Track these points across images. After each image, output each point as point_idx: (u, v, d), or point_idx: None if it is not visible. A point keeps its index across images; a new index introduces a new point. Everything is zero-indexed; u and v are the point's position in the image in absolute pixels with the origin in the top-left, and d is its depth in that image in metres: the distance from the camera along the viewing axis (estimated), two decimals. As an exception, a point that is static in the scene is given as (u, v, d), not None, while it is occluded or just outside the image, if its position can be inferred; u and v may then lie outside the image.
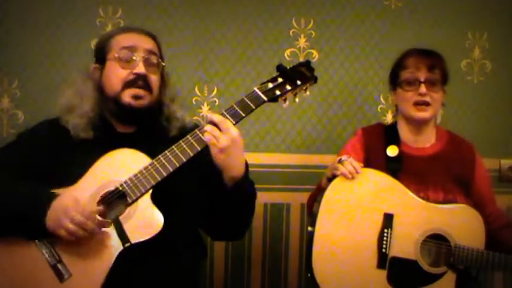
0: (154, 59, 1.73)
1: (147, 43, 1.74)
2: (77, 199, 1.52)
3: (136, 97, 1.68)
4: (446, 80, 2.01)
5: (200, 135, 1.61)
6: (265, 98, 1.65)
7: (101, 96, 1.73)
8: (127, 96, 1.68)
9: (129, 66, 1.69)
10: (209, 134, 1.58)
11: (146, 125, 1.75)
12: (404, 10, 2.59)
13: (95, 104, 1.72)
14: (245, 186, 1.68)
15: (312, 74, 1.74)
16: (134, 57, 1.70)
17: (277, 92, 1.67)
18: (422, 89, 1.93)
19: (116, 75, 1.70)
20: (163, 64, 1.77)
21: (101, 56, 1.76)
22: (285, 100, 1.70)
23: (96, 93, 1.74)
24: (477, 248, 1.84)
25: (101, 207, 1.54)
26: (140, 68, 1.68)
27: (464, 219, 1.87)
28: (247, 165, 1.69)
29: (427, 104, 1.94)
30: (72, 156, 1.67)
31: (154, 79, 1.72)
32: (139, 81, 1.68)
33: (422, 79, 1.94)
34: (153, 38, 1.79)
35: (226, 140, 1.57)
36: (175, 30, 2.43)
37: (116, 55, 1.70)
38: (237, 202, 1.68)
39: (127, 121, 1.74)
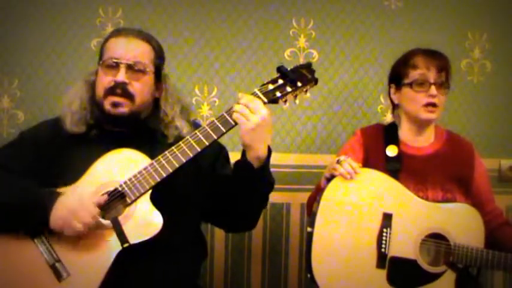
0: (140, 66, 1.71)
1: (134, 49, 1.72)
2: (81, 198, 1.54)
3: (114, 104, 1.68)
4: (450, 82, 2.01)
5: (200, 136, 1.62)
6: (265, 100, 1.65)
7: (93, 98, 1.75)
8: (107, 104, 1.69)
9: (112, 73, 1.69)
10: (238, 113, 1.59)
11: (136, 127, 1.75)
12: (404, 10, 2.58)
13: (87, 104, 1.74)
14: (269, 169, 1.70)
15: (312, 75, 1.74)
16: (118, 64, 1.69)
17: (278, 94, 1.67)
18: (433, 90, 1.92)
19: (100, 81, 1.71)
20: (148, 70, 1.73)
21: (99, 59, 1.77)
22: (285, 101, 1.70)
23: (89, 94, 1.76)
24: (476, 247, 1.84)
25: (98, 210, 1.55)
26: (120, 76, 1.67)
27: (463, 218, 1.87)
28: (269, 149, 1.68)
29: (435, 105, 1.94)
30: (70, 152, 1.70)
31: (137, 86, 1.70)
32: (117, 89, 1.68)
33: (432, 80, 1.93)
34: (146, 40, 1.76)
35: (256, 119, 1.58)
36: (175, 31, 2.43)
37: (102, 62, 1.72)
38: (262, 183, 1.69)
39: (112, 126, 1.75)
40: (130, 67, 1.69)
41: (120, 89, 1.68)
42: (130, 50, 1.71)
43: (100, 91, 1.71)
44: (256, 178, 1.66)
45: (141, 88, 1.71)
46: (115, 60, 1.69)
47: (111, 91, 1.68)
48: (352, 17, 2.55)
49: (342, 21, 2.55)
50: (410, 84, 1.96)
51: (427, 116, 1.95)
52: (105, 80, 1.69)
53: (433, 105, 1.94)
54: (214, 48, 2.47)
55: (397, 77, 2.03)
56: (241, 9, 2.48)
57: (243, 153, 1.66)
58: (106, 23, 2.39)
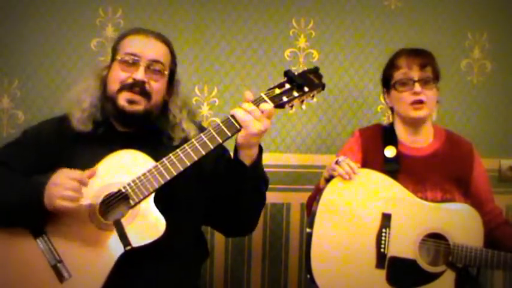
0: (158, 66, 1.72)
1: (153, 50, 1.72)
2: (63, 172, 1.53)
3: (130, 101, 1.68)
4: (438, 77, 2.01)
5: (205, 139, 1.61)
6: (272, 105, 1.62)
7: (104, 94, 1.74)
8: (122, 99, 1.68)
9: (130, 70, 1.69)
10: (248, 116, 1.58)
11: (145, 127, 1.75)
12: (404, 10, 2.58)
13: (98, 101, 1.74)
14: (262, 166, 1.72)
15: (320, 80, 1.73)
16: (136, 62, 1.69)
17: (284, 99, 1.65)
18: (417, 87, 1.93)
19: (116, 76, 1.70)
20: (166, 73, 1.75)
21: (112, 55, 1.77)
22: (291, 107, 1.69)
23: (100, 91, 1.75)
24: (476, 246, 1.84)
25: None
26: (139, 75, 1.68)
27: (462, 218, 1.87)
28: (260, 147, 1.69)
29: (422, 102, 1.95)
30: (73, 151, 1.69)
31: (155, 86, 1.71)
32: (136, 87, 1.68)
33: (415, 78, 1.94)
34: (165, 42, 1.77)
35: (268, 124, 1.59)
36: (175, 30, 2.43)
37: (120, 58, 1.71)
38: (256, 180, 1.70)
39: (123, 123, 1.75)
40: (149, 66, 1.70)
41: (138, 88, 1.68)
42: (151, 49, 1.72)
43: (115, 85, 1.70)
44: (249, 176, 1.66)
45: (158, 88, 1.72)
46: (134, 57, 1.69)
47: (128, 88, 1.68)
48: (352, 17, 2.55)
49: (342, 21, 2.55)
50: (395, 85, 1.98)
51: (415, 114, 1.96)
52: (122, 76, 1.69)
53: (420, 102, 1.94)
54: (214, 48, 2.47)
55: (386, 80, 2.05)
56: (241, 9, 2.48)
57: (235, 153, 1.67)
58: (106, 23, 2.40)
